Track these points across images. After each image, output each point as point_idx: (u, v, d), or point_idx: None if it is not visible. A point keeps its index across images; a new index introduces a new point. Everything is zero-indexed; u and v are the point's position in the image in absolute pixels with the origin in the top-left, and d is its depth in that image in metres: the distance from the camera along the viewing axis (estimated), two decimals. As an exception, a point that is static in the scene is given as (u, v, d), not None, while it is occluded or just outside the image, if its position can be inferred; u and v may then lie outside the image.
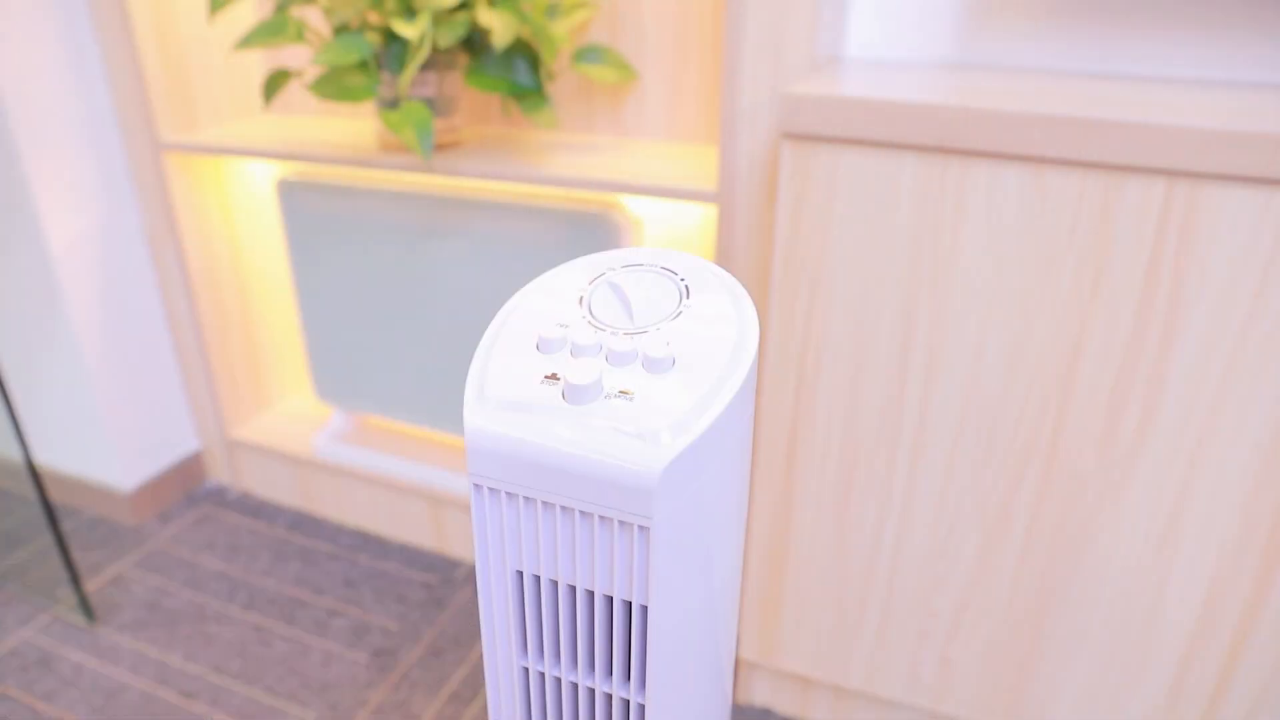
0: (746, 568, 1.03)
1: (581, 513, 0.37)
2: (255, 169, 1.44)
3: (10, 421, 1.15)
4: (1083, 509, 0.85)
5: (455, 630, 1.24)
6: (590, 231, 1.11)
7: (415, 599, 1.31)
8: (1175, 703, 0.88)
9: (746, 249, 0.98)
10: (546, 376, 0.38)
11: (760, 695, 1.13)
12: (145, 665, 1.18)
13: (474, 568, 1.37)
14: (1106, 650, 0.89)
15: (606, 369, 0.38)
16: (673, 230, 1.16)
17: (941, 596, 0.94)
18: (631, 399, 0.37)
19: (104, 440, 1.40)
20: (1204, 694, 0.87)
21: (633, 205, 1.11)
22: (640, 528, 0.36)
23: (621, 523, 0.36)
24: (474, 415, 0.38)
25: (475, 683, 1.16)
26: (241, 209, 1.44)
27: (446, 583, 1.34)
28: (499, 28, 0.97)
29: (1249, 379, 0.75)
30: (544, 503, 0.37)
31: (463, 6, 1.00)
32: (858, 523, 0.95)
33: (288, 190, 1.31)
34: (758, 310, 0.99)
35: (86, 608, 1.26)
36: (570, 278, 0.45)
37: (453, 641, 1.22)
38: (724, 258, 0.99)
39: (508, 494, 0.38)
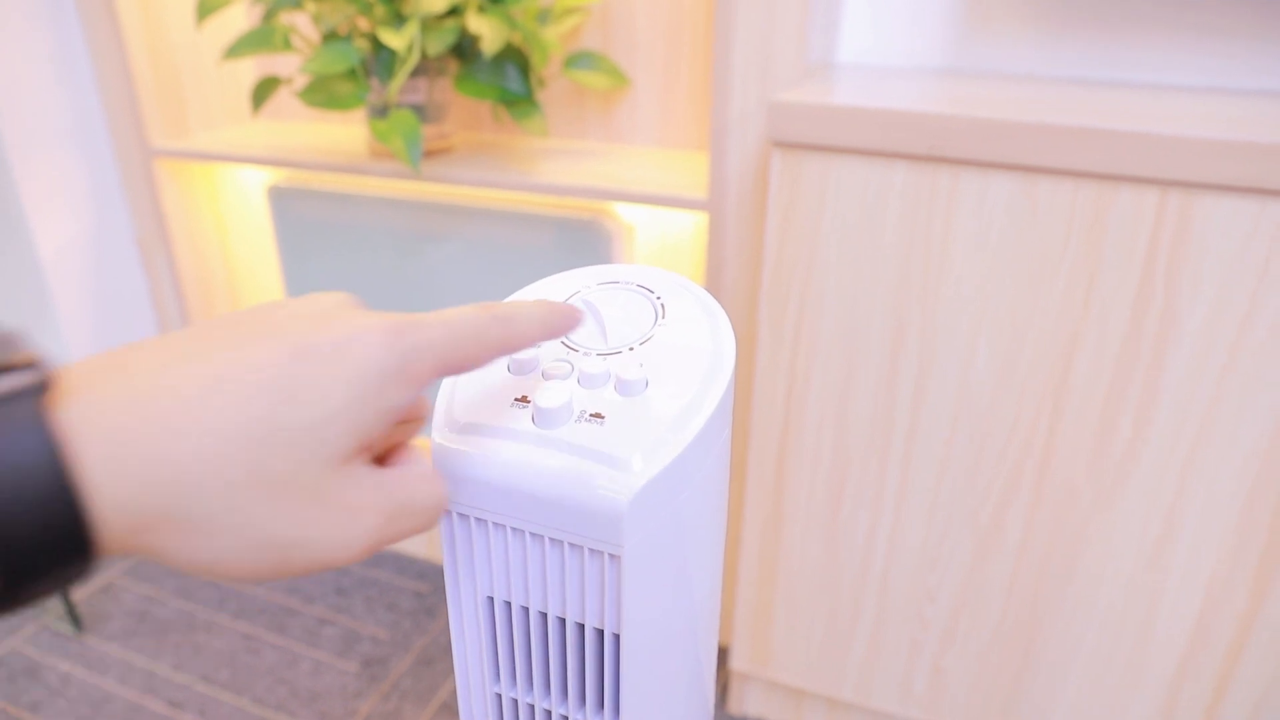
0: (738, 578, 1.02)
1: (551, 540, 0.36)
2: (246, 175, 1.43)
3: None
4: (1076, 520, 0.84)
5: (446, 640, 1.23)
6: (581, 238, 1.10)
7: (406, 607, 1.30)
8: (1171, 714, 0.88)
9: (737, 257, 0.97)
10: (516, 399, 0.37)
11: (752, 706, 1.12)
12: (133, 675, 1.18)
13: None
14: (1100, 661, 0.88)
15: (578, 391, 0.37)
16: (664, 237, 1.15)
17: (934, 607, 0.93)
18: (603, 423, 0.36)
19: (94, 447, 1.39)
20: (1200, 705, 0.86)
21: (624, 212, 1.11)
22: (611, 556, 0.35)
23: (591, 550, 0.35)
24: (441, 438, 0.37)
25: (465, 693, 1.15)
26: (233, 215, 1.43)
27: (438, 591, 1.33)
28: (489, 34, 0.96)
29: (1242, 390, 0.74)
30: (513, 529, 0.37)
31: (452, 13, 0.99)
32: (849, 533, 0.94)
33: (279, 196, 1.30)
34: (747, 319, 0.98)
35: (74, 616, 1.25)
36: (544, 295, 0.44)
37: (443, 651, 1.21)
38: (714, 265, 0.98)
39: (476, 519, 0.37)
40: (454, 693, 1.15)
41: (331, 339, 0.27)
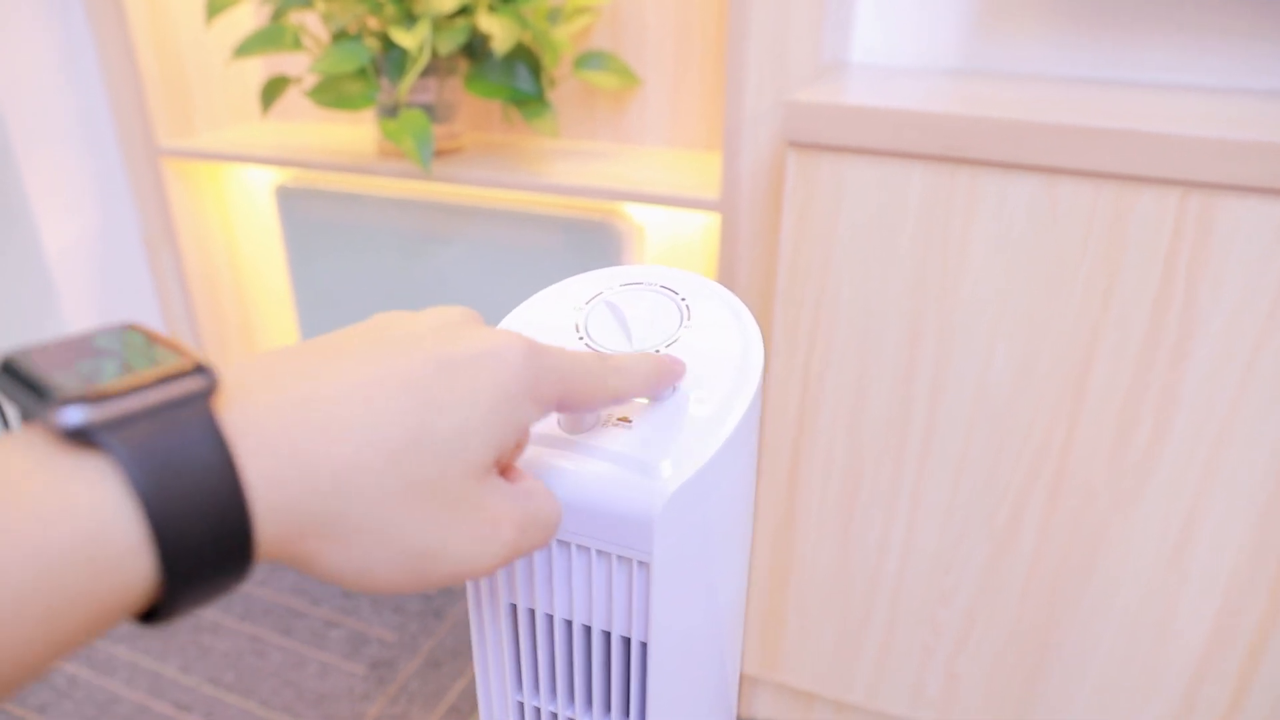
0: (749, 582, 1.01)
1: (578, 546, 0.35)
2: (254, 175, 1.42)
3: (4, 428, 1.14)
4: (1093, 523, 0.83)
5: (454, 643, 1.23)
6: (592, 239, 1.09)
7: (413, 610, 1.29)
8: (1187, 719, 0.87)
9: (750, 258, 0.96)
10: (542, 403, 0.37)
11: (763, 710, 1.11)
12: (139, 677, 1.17)
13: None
14: (1116, 665, 0.88)
15: (604, 395, 0.37)
16: (675, 238, 1.15)
17: (947, 610, 0.93)
18: (631, 427, 0.35)
19: (100, 448, 1.38)
20: (1217, 712, 0.85)
21: (635, 213, 1.10)
22: (640, 563, 0.34)
23: (620, 558, 0.35)
24: (466, 443, 0.36)
25: (474, 696, 1.14)
26: (240, 215, 1.43)
27: (445, 594, 1.32)
28: (499, 34, 0.95)
29: (1263, 392, 0.73)
30: (539, 535, 0.36)
31: (463, 12, 0.98)
32: (862, 536, 0.93)
33: (286, 196, 1.29)
34: (761, 321, 0.97)
35: (81, 618, 1.24)
36: (566, 297, 0.43)
37: (451, 654, 1.21)
38: (727, 267, 0.98)
39: (501, 525, 0.37)
40: (462, 695, 1.14)
41: (473, 351, 0.27)
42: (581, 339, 0.40)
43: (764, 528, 0.98)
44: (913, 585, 0.93)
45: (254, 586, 1.33)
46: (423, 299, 1.25)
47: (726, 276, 0.98)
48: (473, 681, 1.16)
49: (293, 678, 1.17)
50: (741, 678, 1.10)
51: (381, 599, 1.31)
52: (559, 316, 0.42)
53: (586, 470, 0.34)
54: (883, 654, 0.98)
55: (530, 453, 0.35)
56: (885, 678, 0.99)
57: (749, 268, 0.97)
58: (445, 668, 1.19)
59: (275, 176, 1.38)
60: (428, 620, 1.27)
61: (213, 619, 1.27)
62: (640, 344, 0.40)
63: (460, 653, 1.21)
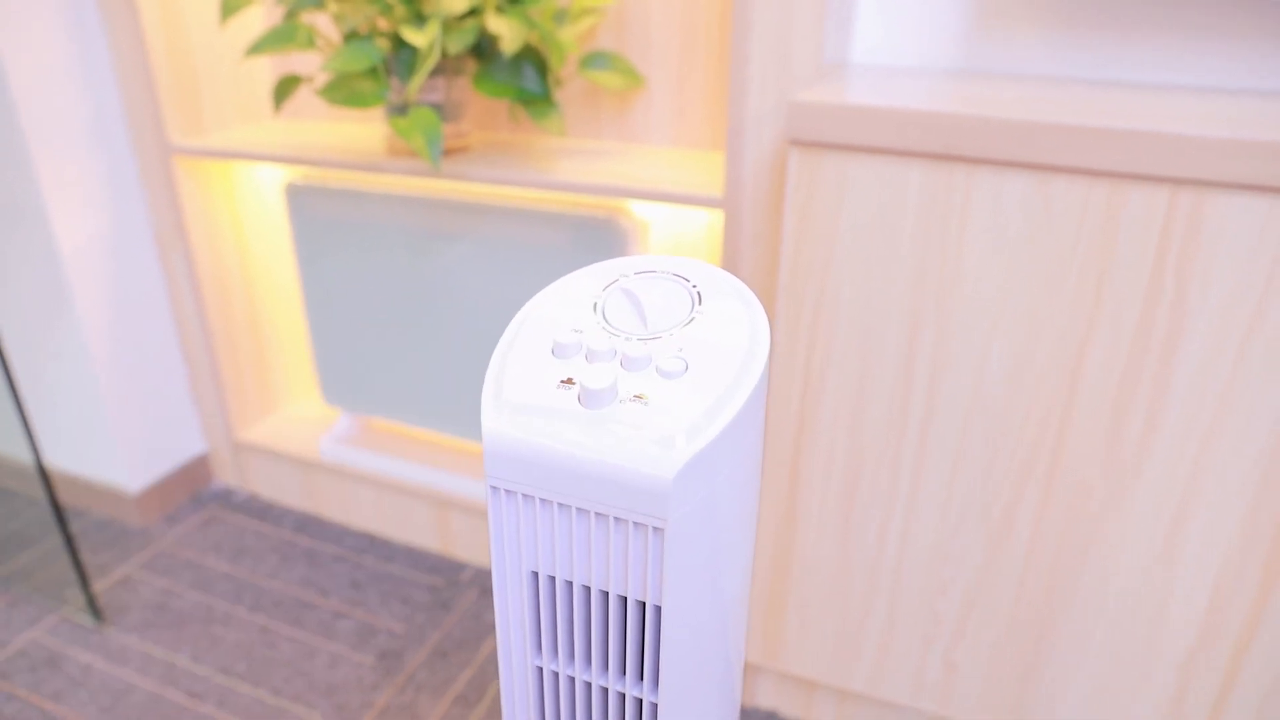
0: (751, 571, 1.03)
1: (597, 514, 0.38)
2: (264, 173, 1.44)
3: (20, 423, 1.16)
4: (1086, 515, 0.85)
5: (461, 633, 1.25)
6: (597, 236, 1.12)
7: (421, 601, 1.31)
8: (1179, 707, 0.89)
9: (752, 255, 0.99)
10: (562, 381, 0.39)
11: (765, 698, 1.13)
12: (152, 666, 1.19)
13: (479, 570, 1.38)
14: (1111, 655, 0.90)
15: (621, 374, 0.39)
16: (679, 236, 1.17)
17: (946, 601, 0.95)
18: (646, 404, 0.38)
19: (111, 442, 1.41)
20: (1208, 699, 0.87)
21: (640, 210, 1.12)
22: (655, 529, 0.37)
23: (636, 524, 0.37)
24: (492, 419, 0.39)
25: (481, 685, 1.16)
26: (250, 213, 1.45)
27: (452, 585, 1.34)
28: (508, 34, 0.98)
29: (1253, 387, 0.75)
30: (560, 505, 0.38)
31: (472, 13, 1.01)
32: (862, 527, 0.95)
33: (296, 194, 1.32)
34: (764, 315, 0.99)
35: (94, 608, 1.26)
36: (584, 283, 0.45)
37: (458, 644, 1.23)
38: (730, 263, 1.00)
39: (524, 496, 0.39)
40: (469, 684, 1.16)
41: None
42: (599, 323, 0.43)
43: (767, 520, 1.00)
44: (912, 576, 0.95)
45: (264, 579, 1.35)
46: (429, 295, 1.27)
47: (730, 272, 1.00)
48: (480, 671, 1.19)
49: (303, 667, 1.19)
50: (744, 666, 1.12)
51: (390, 592, 1.33)
52: (579, 302, 0.44)
53: (605, 442, 0.37)
54: (883, 643, 1.00)
55: (550, 426, 0.37)
56: (886, 666, 1.01)
57: (751, 264, 0.99)
58: (452, 658, 1.21)
59: (285, 174, 1.41)
60: (435, 612, 1.29)
61: (224, 610, 1.29)
62: (654, 328, 0.42)
63: (467, 644, 1.23)
